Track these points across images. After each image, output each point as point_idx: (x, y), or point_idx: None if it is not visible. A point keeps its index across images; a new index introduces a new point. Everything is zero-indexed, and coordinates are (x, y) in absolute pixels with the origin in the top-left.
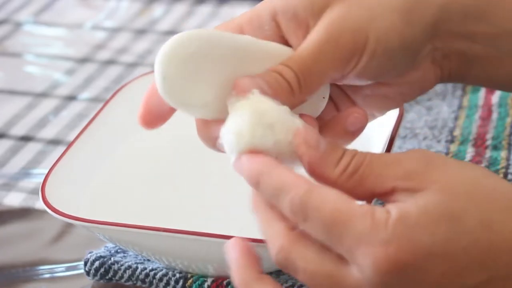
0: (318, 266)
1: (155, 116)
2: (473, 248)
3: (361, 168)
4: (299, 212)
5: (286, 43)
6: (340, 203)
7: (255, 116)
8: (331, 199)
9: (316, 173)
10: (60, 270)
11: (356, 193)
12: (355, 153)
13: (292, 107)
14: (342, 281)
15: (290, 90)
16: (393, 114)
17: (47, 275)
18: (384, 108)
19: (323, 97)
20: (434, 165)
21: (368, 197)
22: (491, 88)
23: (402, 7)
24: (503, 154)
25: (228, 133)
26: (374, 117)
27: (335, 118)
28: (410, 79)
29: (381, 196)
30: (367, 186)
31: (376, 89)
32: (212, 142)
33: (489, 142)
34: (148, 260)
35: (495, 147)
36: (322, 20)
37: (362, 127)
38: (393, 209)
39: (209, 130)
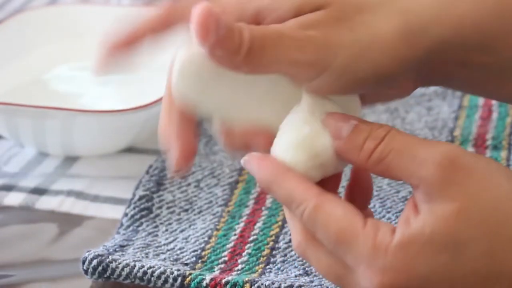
0: (328, 268)
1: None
2: (472, 277)
3: (388, 157)
4: (309, 226)
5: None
6: (345, 221)
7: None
8: (337, 217)
9: (345, 159)
10: (60, 270)
11: (386, 176)
12: (383, 135)
13: (232, 68)
14: (348, 284)
15: (237, 51)
16: None
17: (47, 275)
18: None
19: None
20: (458, 177)
21: (399, 180)
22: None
23: (395, 42)
24: (503, 154)
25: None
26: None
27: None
28: (389, 92)
29: (410, 185)
30: (395, 174)
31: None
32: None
33: (489, 142)
34: (147, 257)
35: (495, 147)
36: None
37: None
38: (399, 232)
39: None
